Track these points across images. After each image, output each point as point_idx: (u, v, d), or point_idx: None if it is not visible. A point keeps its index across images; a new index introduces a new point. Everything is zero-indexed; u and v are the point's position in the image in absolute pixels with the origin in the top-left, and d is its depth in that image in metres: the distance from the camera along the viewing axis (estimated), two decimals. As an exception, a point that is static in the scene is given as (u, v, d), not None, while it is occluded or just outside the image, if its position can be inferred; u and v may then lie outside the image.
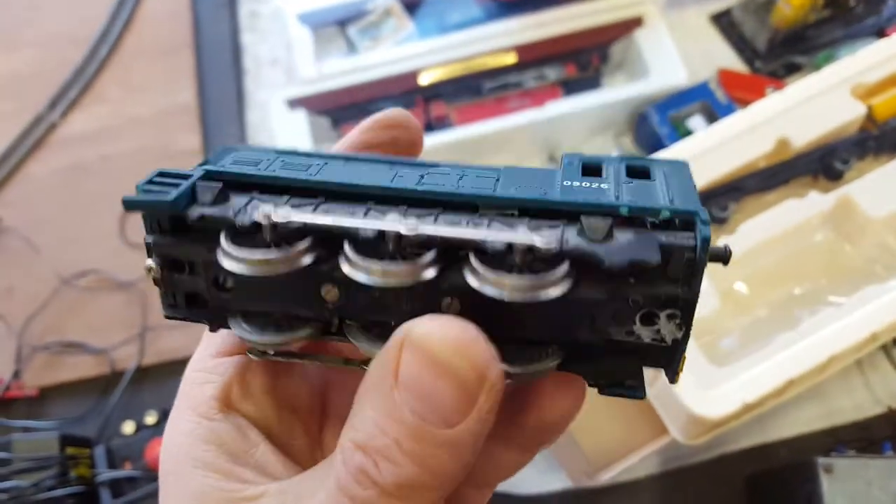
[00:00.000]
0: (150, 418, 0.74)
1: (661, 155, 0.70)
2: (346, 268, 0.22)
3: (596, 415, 0.67)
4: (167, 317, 0.27)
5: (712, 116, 0.82)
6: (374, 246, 0.22)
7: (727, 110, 0.81)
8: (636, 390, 0.25)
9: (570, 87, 0.88)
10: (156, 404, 0.75)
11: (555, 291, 0.21)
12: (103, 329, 0.80)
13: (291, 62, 0.86)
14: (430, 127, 0.85)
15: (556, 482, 0.70)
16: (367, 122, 0.32)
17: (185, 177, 0.25)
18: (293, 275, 0.23)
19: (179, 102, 0.92)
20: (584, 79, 0.88)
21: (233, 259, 0.23)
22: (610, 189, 0.24)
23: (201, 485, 0.25)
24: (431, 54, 0.85)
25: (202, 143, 0.89)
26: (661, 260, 0.22)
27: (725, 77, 0.85)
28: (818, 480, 0.59)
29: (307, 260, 0.23)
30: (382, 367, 0.22)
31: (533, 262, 0.22)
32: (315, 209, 0.23)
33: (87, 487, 0.70)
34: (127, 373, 0.77)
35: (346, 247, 0.22)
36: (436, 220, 0.23)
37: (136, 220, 0.85)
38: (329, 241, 0.23)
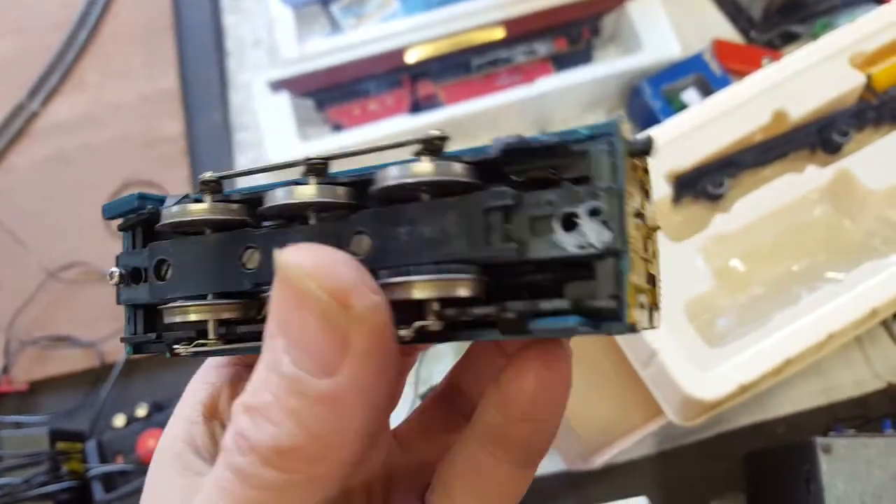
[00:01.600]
0: (141, 411, 0.73)
1: (654, 130, 0.68)
2: (267, 200, 0.23)
3: (590, 398, 0.66)
4: (131, 354, 0.27)
5: (707, 89, 0.80)
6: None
7: (722, 82, 0.79)
8: (567, 315, 0.20)
9: (561, 61, 0.86)
10: (146, 396, 0.74)
11: (461, 172, 0.21)
12: (91, 321, 0.79)
13: (274, 43, 0.84)
14: (418, 107, 0.83)
15: (551, 465, 0.69)
16: None
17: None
18: (221, 243, 0.24)
19: (161, 87, 0.90)
20: (575, 53, 0.86)
21: (170, 212, 0.24)
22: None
23: (167, 478, 0.24)
24: (417, 31, 0.83)
25: (185, 129, 0.88)
26: (574, 155, 0.21)
27: (720, 48, 0.83)
28: (817, 461, 0.58)
29: (234, 212, 0.24)
30: (269, 318, 0.20)
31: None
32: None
33: (80, 482, 0.69)
34: (116, 365, 0.76)
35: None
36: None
37: (121, 210, 0.84)
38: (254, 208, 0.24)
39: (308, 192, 0.22)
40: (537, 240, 0.20)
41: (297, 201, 0.22)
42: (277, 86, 0.81)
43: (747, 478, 0.68)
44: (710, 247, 0.66)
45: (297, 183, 0.23)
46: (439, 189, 0.21)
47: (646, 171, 0.23)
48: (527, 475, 0.25)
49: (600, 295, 0.20)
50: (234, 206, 0.24)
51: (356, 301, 0.19)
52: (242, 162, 0.86)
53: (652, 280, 0.24)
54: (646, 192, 0.23)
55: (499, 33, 0.84)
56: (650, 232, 0.24)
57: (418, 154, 0.21)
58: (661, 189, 0.67)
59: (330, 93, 0.83)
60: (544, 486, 0.69)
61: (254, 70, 0.89)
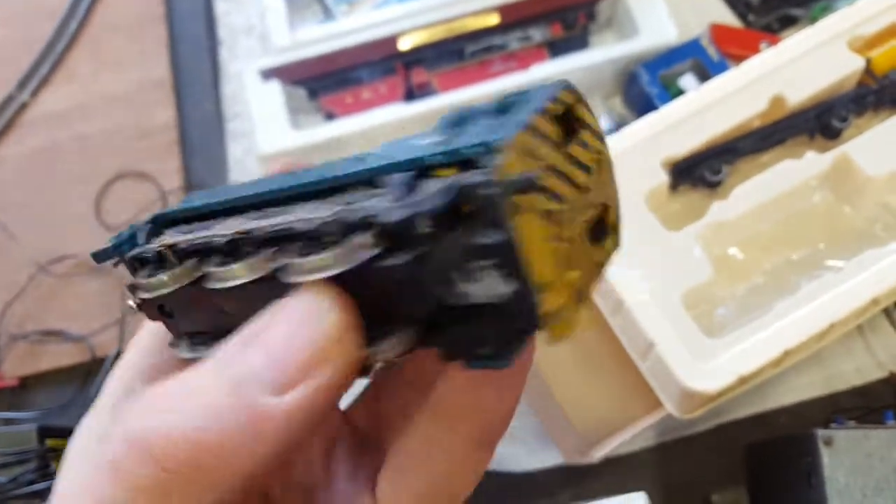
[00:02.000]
0: (132, 406, 0.72)
1: (651, 116, 0.67)
2: (209, 283, 0.22)
3: (587, 391, 0.65)
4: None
5: (704, 74, 0.79)
6: (234, 252, 0.22)
7: (720, 68, 0.78)
8: (497, 359, 0.20)
9: (556, 47, 0.84)
10: (137, 391, 0.74)
11: (357, 256, 0.19)
12: (83, 315, 0.78)
13: (267, 30, 0.83)
14: (412, 95, 0.82)
15: (548, 459, 0.68)
16: None
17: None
18: (196, 292, 0.22)
19: (153, 77, 0.89)
20: (571, 39, 0.85)
21: (140, 286, 0.24)
22: (434, 140, 0.21)
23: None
24: (411, 17, 0.82)
25: (177, 119, 0.86)
26: (460, 205, 0.18)
27: (718, 33, 0.82)
28: (818, 453, 0.58)
29: (197, 273, 0.22)
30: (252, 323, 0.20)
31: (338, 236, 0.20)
32: (200, 229, 0.23)
33: (70, 479, 0.68)
34: (108, 360, 0.75)
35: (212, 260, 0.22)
36: (265, 216, 0.22)
37: (112, 202, 0.83)
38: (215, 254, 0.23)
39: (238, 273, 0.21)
40: (448, 292, 0.19)
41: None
42: (269, 74, 0.80)
43: (748, 470, 0.68)
44: (708, 235, 0.64)
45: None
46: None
47: (565, 113, 0.21)
48: (483, 456, 0.24)
49: (522, 331, 0.19)
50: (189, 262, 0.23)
51: (350, 341, 0.19)
52: (235, 151, 0.85)
53: (600, 228, 0.22)
54: (572, 132, 0.21)
55: (493, 19, 0.83)
56: (586, 180, 0.21)
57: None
58: (658, 177, 0.66)
59: (322, 81, 0.82)
60: (542, 481, 0.68)
61: (246, 58, 0.88)
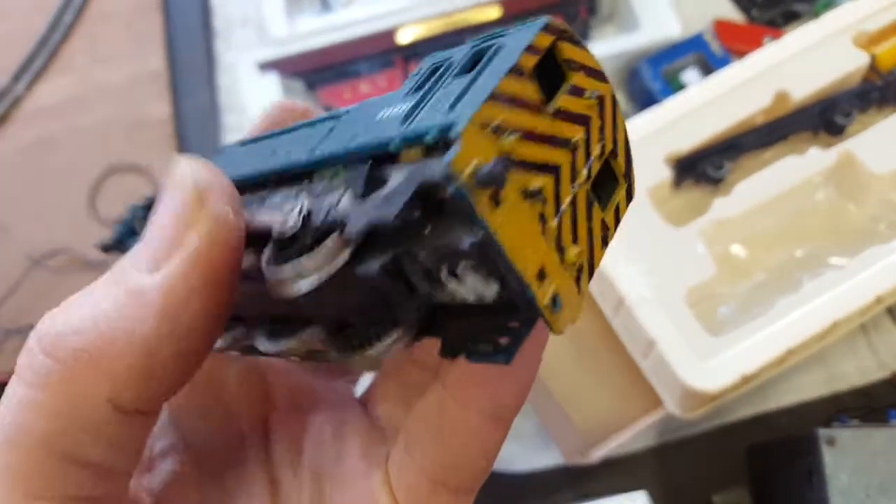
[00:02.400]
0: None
1: (653, 112, 0.66)
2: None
3: (588, 389, 0.64)
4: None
5: (707, 69, 0.78)
6: None
7: (723, 63, 0.77)
8: (497, 354, 0.19)
9: (558, 41, 0.83)
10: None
11: (327, 270, 0.18)
12: (77, 310, 0.77)
13: (263, 22, 0.82)
14: (411, 88, 0.81)
15: (549, 459, 0.68)
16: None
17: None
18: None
19: (148, 69, 0.88)
20: (572, 33, 0.84)
21: None
22: (404, 111, 0.19)
23: None
24: (410, 10, 0.81)
25: (172, 111, 0.85)
26: (427, 198, 0.16)
27: (721, 28, 0.81)
28: (820, 453, 0.57)
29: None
30: None
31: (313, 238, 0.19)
32: None
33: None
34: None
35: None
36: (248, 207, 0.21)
37: (107, 196, 0.82)
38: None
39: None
40: (439, 292, 0.18)
41: None
42: (266, 66, 0.79)
43: (750, 471, 0.67)
44: (710, 232, 0.64)
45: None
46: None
47: (546, 58, 0.18)
48: (497, 434, 0.23)
49: (520, 326, 0.18)
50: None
51: (213, 202, 0.18)
52: (231, 146, 0.84)
53: (606, 180, 0.20)
54: (560, 78, 0.19)
55: (494, 12, 0.82)
56: (581, 135, 0.19)
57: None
58: (660, 173, 0.65)
59: (320, 74, 0.81)
60: (542, 481, 0.67)
61: (242, 50, 0.87)
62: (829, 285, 0.60)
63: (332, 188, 0.19)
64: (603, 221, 0.19)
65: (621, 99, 0.83)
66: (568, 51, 0.18)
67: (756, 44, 0.79)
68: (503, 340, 0.18)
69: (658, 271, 0.61)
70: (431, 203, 0.16)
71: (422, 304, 0.18)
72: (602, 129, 0.19)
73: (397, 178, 0.17)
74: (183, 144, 0.84)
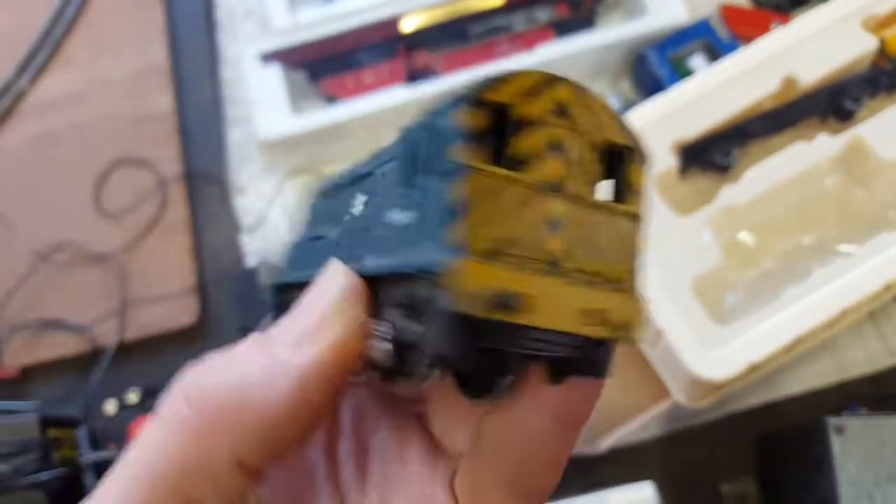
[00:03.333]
0: (133, 396, 0.72)
1: (660, 98, 0.66)
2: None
3: (594, 379, 0.64)
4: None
5: (714, 55, 0.77)
6: None
7: (730, 48, 0.76)
8: (596, 374, 0.23)
9: (563, 28, 0.83)
10: (138, 382, 0.73)
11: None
12: (83, 304, 0.77)
13: (265, 13, 0.81)
14: (414, 77, 0.81)
15: (555, 448, 0.67)
16: None
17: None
18: None
19: (151, 62, 0.88)
20: (577, 19, 0.83)
21: None
22: (421, 220, 0.20)
23: None
24: (413, -1, 0.80)
25: (175, 104, 0.85)
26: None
27: (728, 13, 0.80)
28: (829, 442, 0.57)
29: None
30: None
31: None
32: None
33: (72, 470, 0.68)
34: (108, 350, 0.74)
35: None
36: None
37: (112, 190, 0.82)
38: None
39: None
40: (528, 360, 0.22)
41: None
42: (268, 57, 0.78)
43: (759, 460, 0.67)
44: (718, 220, 0.63)
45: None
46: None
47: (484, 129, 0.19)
48: (568, 439, 0.24)
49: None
50: None
51: (356, 304, 0.21)
52: (235, 137, 0.84)
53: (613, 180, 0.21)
54: (508, 130, 0.19)
55: (498, 0, 0.81)
56: (556, 167, 0.19)
57: None
58: (667, 160, 0.64)
59: (323, 64, 0.81)
60: (547, 469, 0.67)
61: (245, 42, 0.86)
62: (837, 273, 0.60)
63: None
64: (627, 213, 0.20)
65: (628, 86, 0.83)
66: (492, 95, 0.18)
67: (763, 29, 0.78)
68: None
69: (665, 260, 0.60)
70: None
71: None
72: (575, 128, 0.20)
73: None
74: (187, 137, 0.84)
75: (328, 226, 0.28)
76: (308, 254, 0.29)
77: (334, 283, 0.22)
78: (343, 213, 0.27)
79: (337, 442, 0.28)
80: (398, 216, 0.21)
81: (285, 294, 0.29)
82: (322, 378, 0.20)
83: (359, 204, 0.26)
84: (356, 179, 0.26)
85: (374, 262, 0.22)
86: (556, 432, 0.23)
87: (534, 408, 0.22)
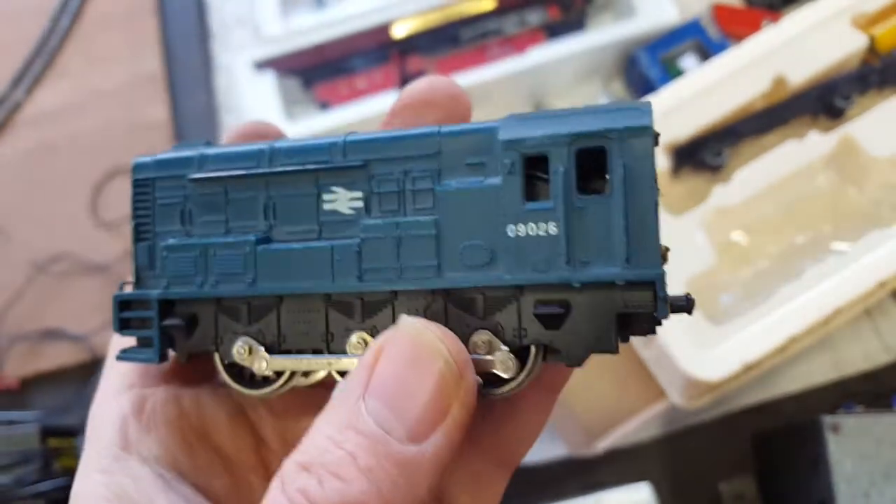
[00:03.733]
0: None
1: (651, 99, 0.66)
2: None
3: (590, 381, 0.64)
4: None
5: (706, 55, 0.77)
6: None
7: (720, 48, 0.76)
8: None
9: (554, 31, 0.83)
10: (137, 390, 0.73)
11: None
12: (81, 314, 0.77)
13: (257, 21, 0.82)
14: (407, 82, 0.81)
15: (554, 451, 0.68)
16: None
17: (143, 303, 0.29)
18: None
19: (145, 71, 0.88)
20: (568, 21, 0.83)
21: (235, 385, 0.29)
22: (559, 232, 0.24)
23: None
24: (404, 4, 0.80)
25: (170, 114, 0.85)
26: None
27: (719, 12, 0.80)
28: (824, 441, 0.57)
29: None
30: (351, 380, 0.21)
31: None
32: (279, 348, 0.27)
33: (73, 480, 0.68)
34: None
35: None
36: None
37: (108, 200, 0.82)
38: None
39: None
40: None
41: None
42: (262, 65, 0.78)
43: (756, 459, 0.67)
44: (711, 220, 0.63)
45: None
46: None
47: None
48: (551, 400, 0.28)
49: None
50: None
51: (468, 376, 0.21)
52: (230, 146, 0.84)
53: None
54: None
55: (489, 3, 0.81)
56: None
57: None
58: (659, 161, 0.64)
59: (316, 71, 0.81)
60: (548, 473, 0.67)
61: (238, 50, 0.87)
62: (830, 271, 0.60)
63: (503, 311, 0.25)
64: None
65: (619, 87, 0.83)
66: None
67: (755, 27, 0.78)
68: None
69: (658, 261, 0.60)
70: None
71: None
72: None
73: (582, 308, 0.24)
74: (182, 146, 0.84)
75: (247, 219, 0.28)
76: (230, 261, 0.28)
77: (435, 350, 0.21)
78: (287, 206, 0.28)
79: (267, 457, 0.30)
80: (532, 230, 0.24)
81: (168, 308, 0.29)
82: (450, 454, 0.21)
83: (340, 200, 0.27)
84: (296, 172, 0.28)
85: (527, 276, 0.24)
86: (544, 399, 0.28)
87: (491, 463, 0.27)
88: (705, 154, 0.66)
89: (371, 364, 0.21)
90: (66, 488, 0.69)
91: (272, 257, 0.27)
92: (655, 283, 0.23)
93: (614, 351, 0.24)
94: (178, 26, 0.91)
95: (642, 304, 0.23)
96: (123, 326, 0.29)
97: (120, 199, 0.82)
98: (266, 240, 0.27)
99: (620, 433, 0.63)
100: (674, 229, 0.62)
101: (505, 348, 0.24)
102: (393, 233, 0.25)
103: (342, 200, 0.27)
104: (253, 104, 0.78)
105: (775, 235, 0.65)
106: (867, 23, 0.67)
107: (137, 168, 0.30)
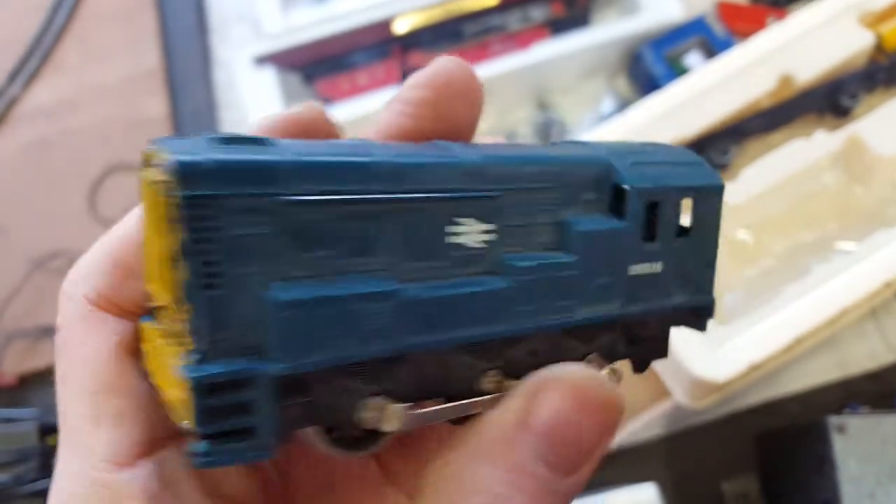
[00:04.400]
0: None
1: (656, 97, 0.65)
2: None
3: (594, 381, 0.63)
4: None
5: (711, 52, 0.77)
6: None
7: (726, 45, 0.75)
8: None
9: (558, 26, 0.82)
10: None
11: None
12: (80, 311, 0.76)
13: (258, 17, 0.81)
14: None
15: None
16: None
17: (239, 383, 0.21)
18: None
19: (143, 67, 0.87)
20: (572, 17, 0.83)
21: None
22: (661, 269, 0.28)
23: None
24: (406, -1, 0.80)
25: (169, 109, 0.85)
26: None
27: (724, 9, 0.79)
28: (830, 441, 0.56)
29: None
30: (505, 420, 0.21)
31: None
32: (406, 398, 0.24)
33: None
34: (106, 356, 0.74)
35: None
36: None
37: (106, 196, 0.82)
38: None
39: None
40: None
41: None
42: (262, 60, 0.78)
43: (759, 459, 0.66)
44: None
45: None
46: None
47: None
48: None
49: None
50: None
51: (619, 417, 0.22)
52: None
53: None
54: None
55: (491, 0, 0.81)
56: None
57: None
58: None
59: (317, 66, 0.80)
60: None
61: (237, 46, 0.86)
62: (837, 270, 0.60)
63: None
64: None
65: (624, 84, 0.82)
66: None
67: (760, 24, 0.77)
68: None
69: (663, 260, 0.60)
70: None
71: None
72: None
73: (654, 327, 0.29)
74: (181, 141, 0.84)
75: (368, 255, 0.22)
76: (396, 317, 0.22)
77: (597, 396, 0.21)
78: (413, 238, 0.23)
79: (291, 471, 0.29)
80: (647, 268, 0.28)
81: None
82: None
83: (470, 233, 0.24)
84: (423, 199, 0.23)
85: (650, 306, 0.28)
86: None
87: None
88: (711, 152, 0.66)
89: (527, 405, 0.21)
90: (65, 487, 0.68)
91: (415, 306, 0.22)
92: (711, 307, 0.30)
93: (666, 356, 0.30)
94: (177, 21, 0.90)
95: (695, 323, 0.30)
96: (212, 418, 0.20)
97: (118, 195, 0.81)
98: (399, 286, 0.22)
99: (625, 432, 0.63)
100: (679, 228, 0.62)
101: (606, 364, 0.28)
102: (543, 273, 0.24)
103: (472, 233, 0.24)
104: (253, 100, 0.77)
105: (781, 234, 0.65)
106: (874, 21, 0.67)
107: (187, 175, 0.19)
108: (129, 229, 0.24)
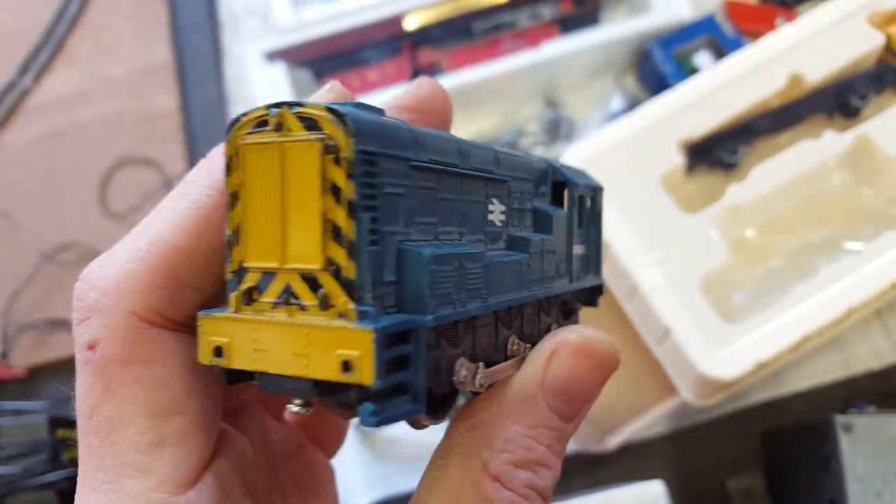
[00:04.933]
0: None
1: (665, 96, 0.66)
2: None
3: (602, 377, 0.64)
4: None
5: (719, 51, 0.77)
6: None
7: (735, 44, 0.76)
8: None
9: (567, 24, 0.82)
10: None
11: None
12: (89, 304, 0.77)
13: (268, 12, 0.81)
14: (419, 74, 0.80)
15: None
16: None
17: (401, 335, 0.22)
18: None
19: (154, 60, 0.88)
20: (582, 15, 0.83)
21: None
22: (587, 257, 0.34)
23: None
24: (417, -4, 0.80)
25: (179, 103, 0.85)
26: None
27: (733, 8, 0.80)
28: (837, 440, 0.57)
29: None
30: (525, 382, 0.25)
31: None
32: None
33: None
34: (116, 349, 0.74)
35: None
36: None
37: (117, 189, 0.82)
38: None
39: None
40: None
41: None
42: (273, 56, 0.78)
43: (765, 457, 0.67)
44: (725, 218, 0.63)
45: None
46: None
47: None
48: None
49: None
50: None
51: (614, 369, 0.26)
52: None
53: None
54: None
55: (502, -4, 0.81)
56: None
57: None
58: (673, 158, 0.64)
59: (328, 62, 0.80)
60: (556, 467, 0.67)
61: (248, 41, 0.86)
62: (844, 271, 0.60)
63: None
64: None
65: (632, 82, 0.82)
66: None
67: (769, 24, 0.78)
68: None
69: (672, 258, 0.60)
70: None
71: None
72: None
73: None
74: (191, 136, 0.84)
75: (450, 225, 0.24)
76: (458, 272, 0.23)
77: (604, 353, 0.26)
78: (469, 213, 0.26)
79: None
80: (580, 250, 0.32)
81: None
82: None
83: (496, 212, 0.27)
84: (479, 177, 0.26)
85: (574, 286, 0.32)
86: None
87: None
88: (720, 152, 0.66)
89: (544, 366, 0.25)
90: (75, 478, 0.69)
91: (494, 270, 0.25)
92: (603, 287, 0.36)
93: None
94: (187, 15, 0.90)
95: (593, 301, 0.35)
96: (387, 371, 0.20)
97: (128, 188, 0.82)
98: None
99: (632, 430, 0.63)
100: (688, 227, 0.62)
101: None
102: (547, 247, 0.29)
103: (496, 212, 0.27)
104: (263, 95, 0.77)
105: (789, 234, 0.65)
106: (883, 21, 0.67)
107: (362, 131, 0.21)
108: (167, 236, 0.24)
